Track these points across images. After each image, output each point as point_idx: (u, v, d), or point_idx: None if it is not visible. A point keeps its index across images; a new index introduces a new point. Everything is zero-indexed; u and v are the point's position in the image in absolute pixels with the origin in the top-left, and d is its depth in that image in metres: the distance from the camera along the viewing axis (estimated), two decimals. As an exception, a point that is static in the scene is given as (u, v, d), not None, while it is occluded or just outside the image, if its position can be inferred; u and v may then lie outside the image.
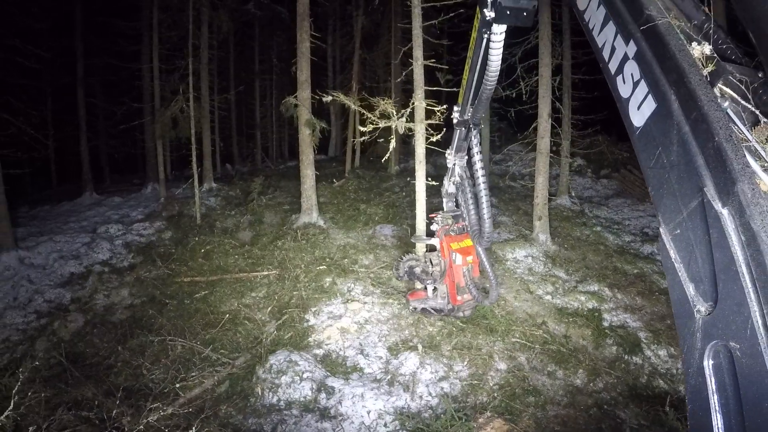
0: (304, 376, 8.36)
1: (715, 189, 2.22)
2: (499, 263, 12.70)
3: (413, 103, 11.36)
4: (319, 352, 9.34)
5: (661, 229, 2.68)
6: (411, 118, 11.22)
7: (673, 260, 2.55)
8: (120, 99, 27.21)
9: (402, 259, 8.92)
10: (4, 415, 5.82)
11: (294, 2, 14.38)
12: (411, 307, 8.81)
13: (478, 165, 6.06)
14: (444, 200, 8.43)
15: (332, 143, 30.27)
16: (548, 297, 11.46)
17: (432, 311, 8.54)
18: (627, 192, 18.79)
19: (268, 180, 20.46)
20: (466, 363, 8.93)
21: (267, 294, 11.49)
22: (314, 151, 14.75)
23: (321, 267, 12.15)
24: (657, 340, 10.08)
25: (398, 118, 9.66)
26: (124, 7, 24.09)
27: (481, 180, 6.05)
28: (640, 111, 2.81)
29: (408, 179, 18.49)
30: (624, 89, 2.97)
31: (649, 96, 2.71)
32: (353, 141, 23.07)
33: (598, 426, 7.88)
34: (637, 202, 17.82)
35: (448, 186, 8.03)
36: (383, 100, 11.28)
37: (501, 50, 4.18)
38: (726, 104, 2.36)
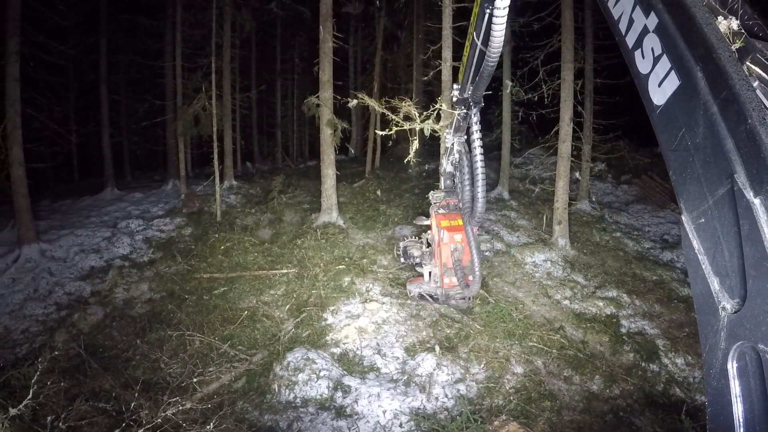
0: (321, 374, 8.39)
1: (747, 176, 2.06)
2: (518, 267, 12.65)
3: (440, 104, 11.37)
4: (337, 350, 9.37)
5: (683, 217, 2.43)
6: (437, 119, 11.22)
7: (696, 251, 2.36)
8: (143, 96, 27.56)
9: (401, 242, 9.20)
10: (22, 405, 5.91)
11: (317, 2, 14.44)
12: (408, 292, 8.86)
13: (477, 143, 5.97)
14: (441, 179, 8.45)
15: (353, 143, 30.36)
16: (566, 302, 11.40)
17: (428, 298, 8.59)
18: (647, 198, 18.59)
19: (289, 179, 20.57)
20: (482, 365, 8.91)
21: (286, 292, 11.56)
22: (335, 151, 14.80)
23: (340, 266, 12.19)
24: (675, 348, 9.99)
25: (422, 121, 9.65)
26: (148, 5, 24.42)
27: (478, 159, 5.98)
28: (661, 88, 2.60)
29: (428, 181, 18.50)
30: (643, 65, 2.76)
31: (672, 72, 2.51)
32: (374, 141, 23.12)
33: None
34: (657, 208, 17.63)
35: (446, 165, 8.06)
36: (405, 102, 11.30)
37: (504, 26, 4.03)
38: (755, 84, 2.21)
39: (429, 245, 8.81)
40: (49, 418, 6.39)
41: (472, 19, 4.95)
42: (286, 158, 33.77)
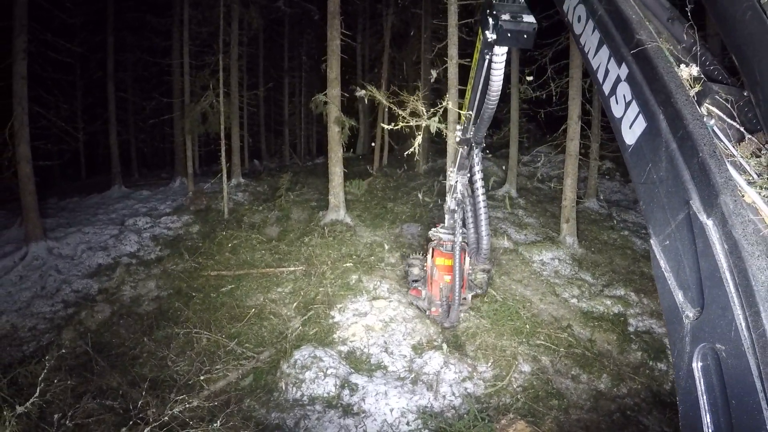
0: (328, 372, 8.40)
1: (701, 201, 2.36)
2: (525, 265, 12.61)
3: (447, 102, 11.39)
4: (344, 348, 9.38)
5: (651, 241, 2.79)
6: (443, 117, 11.22)
7: (663, 269, 2.66)
8: (150, 94, 27.61)
9: (412, 255, 9.76)
10: (29, 402, 5.94)
11: (325, 0, 14.42)
12: (407, 295, 9.79)
13: (479, 184, 6.03)
14: (446, 216, 8.72)
15: (360, 141, 30.31)
16: (574, 300, 11.35)
17: (420, 310, 9.68)
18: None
19: (296, 176, 20.58)
20: (490, 364, 8.93)
21: (293, 290, 11.56)
22: (342, 149, 14.78)
23: (347, 264, 12.19)
24: (683, 347, 9.89)
25: (429, 118, 9.67)
26: (155, 3, 24.46)
27: (480, 198, 6.06)
28: (631, 130, 2.92)
29: (436, 178, 18.46)
30: (617, 109, 3.08)
31: (640, 116, 2.84)
32: (382, 139, 23.07)
33: None
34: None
35: (450, 203, 8.15)
36: (414, 97, 11.33)
37: (502, 71, 4.27)
38: (712, 122, 2.54)
39: (425, 271, 9.58)
40: (56, 416, 6.43)
41: (473, 64, 5.12)
42: (293, 156, 33.81)
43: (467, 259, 8.68)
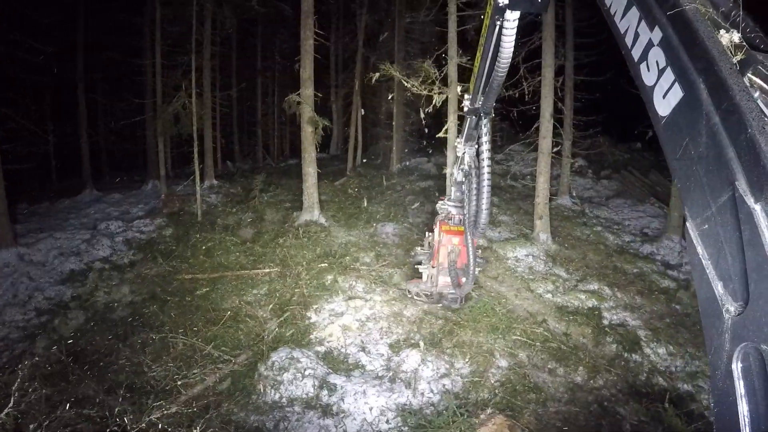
0: (306, 373, 8.39)
1: (748, 183, 2.09)
2: (500, 262, 12.78)
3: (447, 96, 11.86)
4: (321, 349, 9.38)
5: (687, 224, 2.49)
6: (444, 82, 11.55)
7: (700, 256, 2.41)
8: (121, 95, 27.14)
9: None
10: (4, 413, 5.83)
11: (298, 0, 14.38)
12: (407, 292, 9.36)
13: (485, 155, 5.82)
14: (453, 189, 8.36)
15: (334, 141, 30.31)
16: (549, 295, 11.54)
17: (423, 297, 9.10)
18: (627, 192, 18.83)
19: (270, 177, 20.52)
20: (467, 360, 9.00)
21: (268, 291, 11.52)
22: (316, 149, 14.77)
23: (322, 265, 12.20)
24: (656, 338, 10.17)
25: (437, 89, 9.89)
26: (127, 2, 24.05)
27: (485, 171, 5.83)
28: (665, 100, 2.63)
29: (409, 178, 18.55)
30: (648, 77, 2.80)
31: (676, 84, 2.56)
32: (356, 139, 23.09)
33: (599, 422, 7.97)
34: (637, 202, 17.87)
35: (457, 174, 7.92)
36: (425, 62, 11.97)
37: (514, 37, 4.09)
38: (756, 94, 2.23)
39: (430, 247, 9.04)
40: (31, 426, 6.31)
41: (483, 30, 4.90)
42: (266, 157, 33.64)
43: None
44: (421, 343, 9.27)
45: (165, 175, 20.66)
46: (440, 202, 8.51)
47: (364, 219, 15.09)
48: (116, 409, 7.13)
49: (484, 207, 6.00)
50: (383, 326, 10.04)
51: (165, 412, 7.06)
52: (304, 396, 8.11)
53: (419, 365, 8.69)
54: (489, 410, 7.78)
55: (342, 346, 9.47)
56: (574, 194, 17.68)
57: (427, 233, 9.63)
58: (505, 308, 10.72)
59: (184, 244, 14.31)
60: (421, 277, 9.74)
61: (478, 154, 6.28)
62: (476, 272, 8.54)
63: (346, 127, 27.20)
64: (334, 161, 25.63)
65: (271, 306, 10.92)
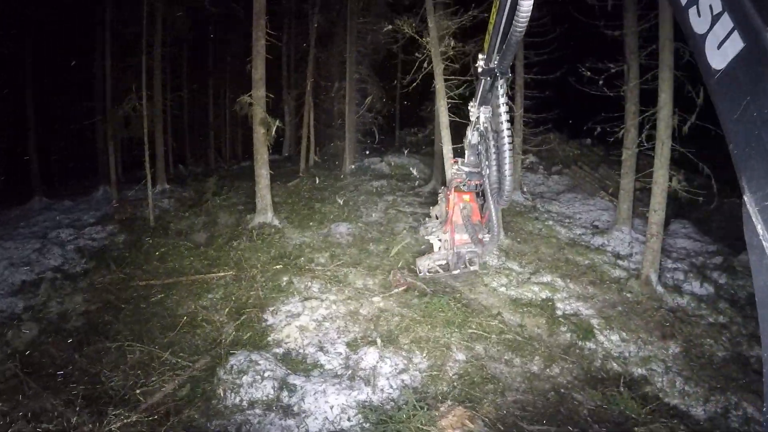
0: (266, 375, 8.42)
1: None
2: (454, 258, 12.98)
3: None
4: (279, 350, 9.42)
5: (745, 198, 2.10)
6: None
7: (760, 237, 2.04)
8: (71, 98, 26.39)
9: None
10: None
11: (250, 0, 14.34)
12: (417, 270, 8.45)
13: (504, 118, 5.27)
14: (467, 152, 7.52)
15: (287, 142, 30.14)
16: (503, 289, 11.83)
17: (439, 270, 8.21)
18: (578, 187, 19.33)
19: (222, 180, 20.35)
20: (425, 355, 9.18)
21: (224, 295, 11.45)
22: (269, 151, 14.73)
23: (277, 266, 12.22)
24: (609, 326, 10.55)
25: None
26: (77, 2, 23.34)
27: (505, 134, 5.29)
28: (720, 51, 2.25)
29: (363, 178, 18.66)
30: (698, 24, 2.39)
31: (735, 33, 2.16)
32: (308, 140, 23.05)
33: (557, 408, 8.26)
34: (587, 196, 18.38)
35: (471, 136, 7.14)
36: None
37: None
38: None
39: (437, 218, 8.41)
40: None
41: None
42: (219, 159, 33.23)
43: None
44: (379, 340, 9.43)
45: (116, 180, 20.24)
46: (455, 166, 7.66)
47: (317, 220, 15.17)
48: (74, 420, 7.01)
49: (507, 173, 5.52)
50: (340, 325, 10.16)
51: (125, 421, 7.00)
52: (264, 398, 8.13)
53: (377, 362, 8.82)
54: (448, 402, 7.98)
55: (300, 347, 9.53)
56: (526, 190, 18.10)
57: (431, 208, 9.27)
58: (460, 303, 10.96)
59: (137, 250, 14.09)
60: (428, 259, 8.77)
61: (494, 115, 5.82)
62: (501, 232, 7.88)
63: (298, 128, 27.04)
64: (287, 162, 25.54)
65: (227, 310, 10.87)
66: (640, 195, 16.07)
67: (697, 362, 9.87)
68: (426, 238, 8.37)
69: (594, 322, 10.73)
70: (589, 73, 14.38)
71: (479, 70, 5.59)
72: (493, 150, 6.01)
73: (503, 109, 5.19)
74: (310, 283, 11.48)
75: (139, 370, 9.06)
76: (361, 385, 8.36)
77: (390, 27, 16.41)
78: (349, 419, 7.72)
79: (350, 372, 8.73)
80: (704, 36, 2.33)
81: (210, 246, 13.92)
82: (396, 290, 11.33)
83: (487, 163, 6.30)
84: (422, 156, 21.71)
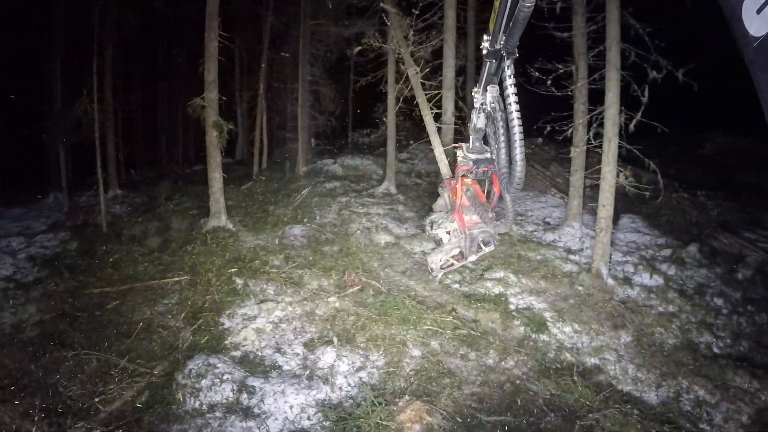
0: (224, 378, 8.50)
1: None
2: (408, 257, 13.35)
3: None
4: (237, 353, 9.49)
5: None
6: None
7: None
8: (19, 101, 25.63)
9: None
10: None
11: (203, 1, 14.28)
12: (430, 270, 7.71)
13: (512, 99, 5.08)
14: (471, 137, 7.12)
15: (239, 145, 29.95)
16: (456, 285, 12.12)
17: (453, 262, 7.63)
18: (529, 185, 19.71)
19: (175, 185, 20.22)
20: (381, 352, 9.41)
21: (180, 300, 11.43)
22: (222, 154, 14.71)
23: (232, 270, 12.24)
24: (561, 319, 10.94)
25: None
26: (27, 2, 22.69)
27: (515, 115, 5.07)
28: (760, 16, 2.02)
29: (316, 179, 18.76)
30: None
31: None
32: (261, 142, 22.98)
33: (513, 399, 8.56)
34: (539, 194, 18.88)
35: (477, 119, 6.81)
36: None
37: None
38: None
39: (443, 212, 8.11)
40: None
41: None
42: (171, 163, 32.77)
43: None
44: (335, 340, 9.61)
45: (67, 186, 19.82)
46: (459, 152, 7.23)
47: (271, 222, 15.19)
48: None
49: (518, 157, 5.18)
50: (297, 326, 10.29)
51: (85, 431, 6.96)
52: (224, 401, 8.22)
53: (335, 361, 9.02)
54: (406, 397, 8.19)
55: (258, 349, 9.63)
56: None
57: (433, 206, 8.74)
58: (414, 300, 11.20)
59: (91, 257, 13.89)
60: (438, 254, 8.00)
61: (503, 97, 5.43)
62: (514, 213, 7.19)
63: (251, 131, 26.82)
64: (240, 166, 25.43)
65: (183, 314, 10.86)
66: (590, 192, 16.53)
67: (648, 350, 10.29)
68: (433, 233, 8.05)
69: (547, 315, 11.09)
70: (537, 74, 14.78)
71: (484, 52, 5.40)
72: (502, 132, 5.78)
73: (512, 89, 5.03)
74: (265, 286, 11.56)
75: (97, 379, 9.00)
76: (319, 384, 8.54)
77: (359, 48, 16.60)
78: (309, 418, 7.88)
79: (308, 372, 8.89)
80: (741, 1, 2.13)
81: (164, 251, 13.82)
82: (351, 290, 11.50)
83: (495, 146, 6.04)
84: (375, 157, 21.89)
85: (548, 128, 14.99)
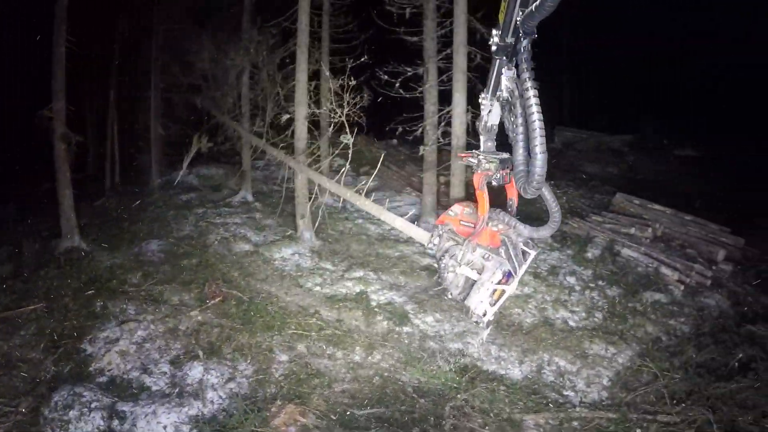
0: (92, 406, 8.34)
1: None
2: (267, 264, 13.55)
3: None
4: (103, 379, 9.29)
5: None
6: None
7: None
8: None
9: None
10: None
11: (53, 3, 13.59)
12: (483, 319, 6.33)
13: (530, 84, 4.56)
14: (482, 138, 6.26)
15: (91, 159, 28.25)
16: (318, 288, 12.53)
17: (503, 288, 6.28)
18: (386, 185, 20.67)
19: (22, 205, 18.76)
20: (249, 361, 9.64)
21: (38, 329, 10.83)
22: (71, 169, 14.12)
23: (90, 292, 11.86)
24: (423, 310, 11.58)
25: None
26: None
27: (533, 102, 4.51)
28: None
29: (171, 192, 18.41)
30: None
31: None
32: (113, 156, 22.01)
33: (383, 391, 9.04)
34: (395, 193, 19.73)
35: (488, 117, 6.02)
36: None
37: None
38: None
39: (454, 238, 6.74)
40: None
41: None
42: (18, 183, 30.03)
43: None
44: (201, 354, 9.70)
45: None
46: (474, 160, 5.94)
47: (127, 239, 14.80)
48: None
49: (538, 150, 4.52)
50: (161, 344, 10.19)
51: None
52: (95, 430, 8.09)
53: (203, 375, 9.13)
54: (278, 402, 8.49)
55: (124, 372, 9.47)
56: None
57: (433, 234, 7.17)
58: (277, 306, 11.50)
59: (-69, 291, 12.70)
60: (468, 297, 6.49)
61: (520, 82, 4.82)
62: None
63: (102, 143, 25.35)
64: (91, 181, 24.07)
65: (43, 344, 10.33)
66: (444, 188, 17.56)
67: (509, 330, 11.05)
68: (460, 274, 6.53)
69: (408, 308, 11.65)
70: (386, 77, 15.59)
71: (493, 48, 5.07)
72: (520, 120, 5.10)
73: (528, 74, 4.60)
74: (125, 306, 11.28)
75: (-45, 426, 8.52)
76: (190, 400, 8.60)
77: None
78: (184, 435, 7.99)
79: (178, 389, 8.91)
80: None
81: (17, 278, 12.99)
82: (213, 302, 11.55)
83: (513, 138, 5.34)
84: (231, 166, 21.78)
85: (400, 129, 15.85)
